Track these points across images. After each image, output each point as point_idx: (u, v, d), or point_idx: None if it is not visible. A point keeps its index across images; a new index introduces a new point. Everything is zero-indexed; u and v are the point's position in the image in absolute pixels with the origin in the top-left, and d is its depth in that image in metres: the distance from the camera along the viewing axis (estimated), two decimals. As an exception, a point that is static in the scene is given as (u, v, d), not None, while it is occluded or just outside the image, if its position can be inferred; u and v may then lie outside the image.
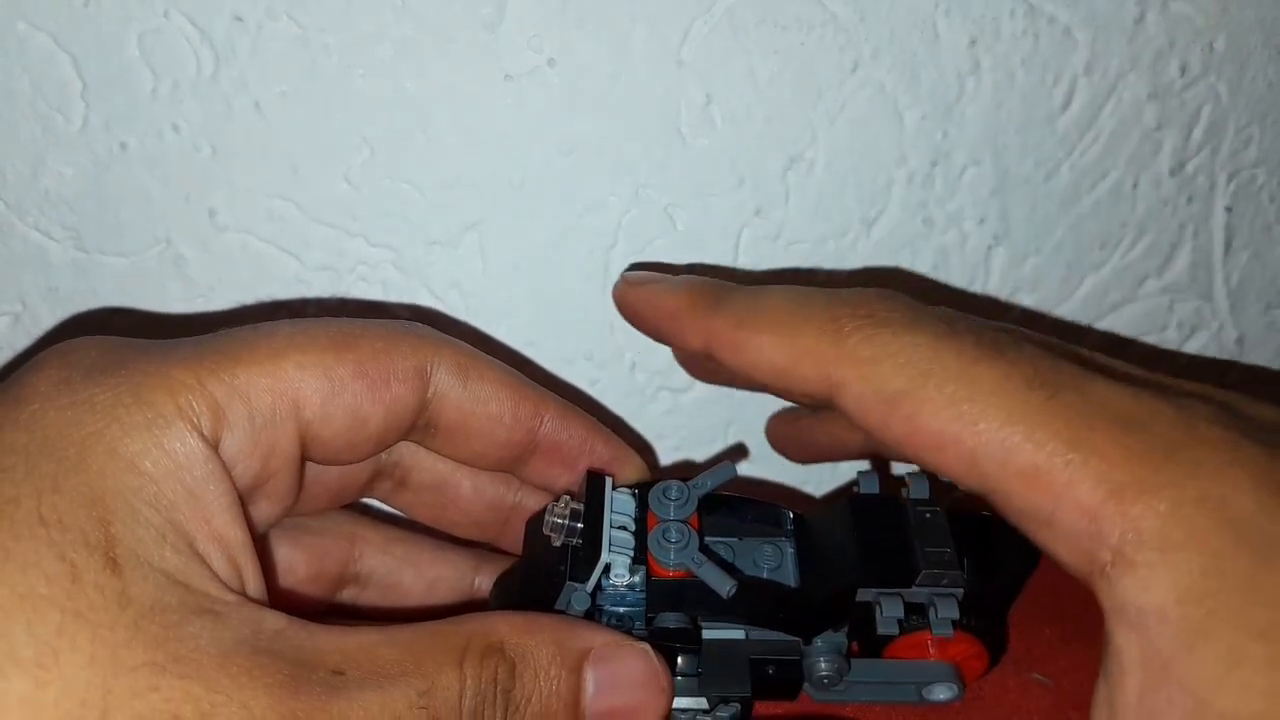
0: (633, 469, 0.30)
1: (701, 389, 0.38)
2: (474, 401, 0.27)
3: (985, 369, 0.24)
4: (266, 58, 0.31)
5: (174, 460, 0.22)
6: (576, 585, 0.26)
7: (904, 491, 0.29)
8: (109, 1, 0.30)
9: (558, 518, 0.27)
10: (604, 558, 0.26)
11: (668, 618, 0.26)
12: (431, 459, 0.30)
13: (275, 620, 0.22)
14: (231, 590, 0.22)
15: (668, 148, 0.33)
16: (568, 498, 0.28)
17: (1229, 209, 0.38)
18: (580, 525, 0.27)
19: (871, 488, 0.29)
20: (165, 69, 0.31)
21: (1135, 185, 0.37)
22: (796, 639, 0.27)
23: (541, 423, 0.28)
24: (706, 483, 0.28)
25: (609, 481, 0.28)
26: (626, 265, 0.35)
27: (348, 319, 0.26)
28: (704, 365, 0.32)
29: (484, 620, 0.24)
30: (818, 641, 0.27)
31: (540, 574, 0.27)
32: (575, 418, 0.29)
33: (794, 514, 0.29)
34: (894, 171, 0.35)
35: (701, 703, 0.26)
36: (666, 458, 0.39)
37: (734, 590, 0.26)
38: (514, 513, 0.31)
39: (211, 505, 0.22)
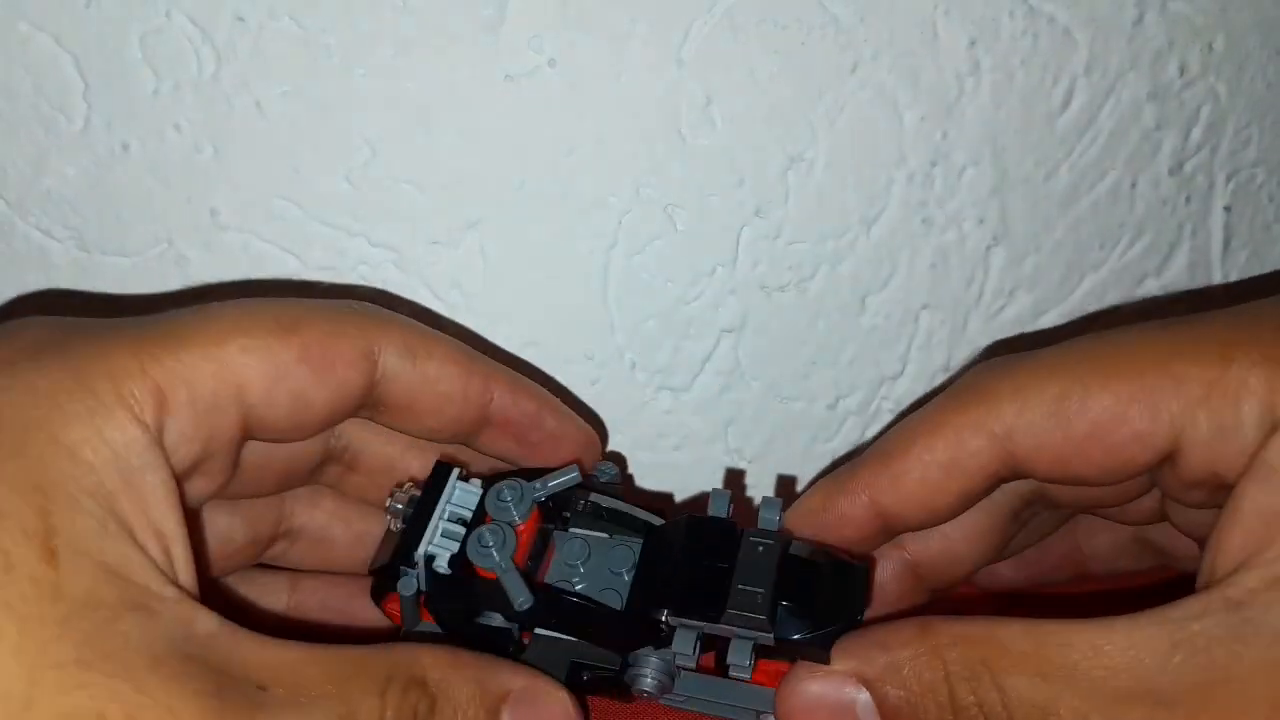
0: (582, 443, 0.30)
1: (702, 389, 0.38)
2: (423, 381, 0.27)
3: (1119, 340, 0.25)
4: (268, 58, 0.31)
5: (114, 449, 0.22)
6: (407, 571, 0.26)
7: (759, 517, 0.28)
8: (111, 2, 0.30)
9: (398, 503, 0.27)
10: (422, 549, 0.26)
11: (493, 616, 0.26)
12: (381, 442, 0.29)
13: (207, 622, 0.22)
14: (168, 582, 0.22)
15: (668, 148, 0.33)
16: (410, 484, 0.28)
17: (1228, 209, 0.38)
18: (412, 511, 0.27)
19: (720, 510, 0.28)
20: (167, 69, 0.31)
21: (1134, 185, 0.37)
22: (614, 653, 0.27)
23: (492, 398, 0.28)
24: (546, 485, 0.28)
25: (455, 473, 0.28)
26: (627, 266, 0.35)
27: (295, 299, 0.26)
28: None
29: (409, 651, 0.24)
30: (649, 655, 0.27)
31: (382, 559, 0.28)
32: (526, 392, 0.29)
33: (654, 527, 0.29)
34: (893, 171, 0.35)
35: None
36: (667, 457, 0.39)
37: (527, 604, 0.25)
38: None
39: (150, 495, 0.22)
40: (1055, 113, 0.35)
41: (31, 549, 0.20)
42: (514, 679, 0.25)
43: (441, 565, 0.26)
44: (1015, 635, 0.23)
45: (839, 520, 0.28)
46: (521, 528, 0.27)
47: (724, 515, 0.28)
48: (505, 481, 0.27)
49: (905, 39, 0.32)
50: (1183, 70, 0.35)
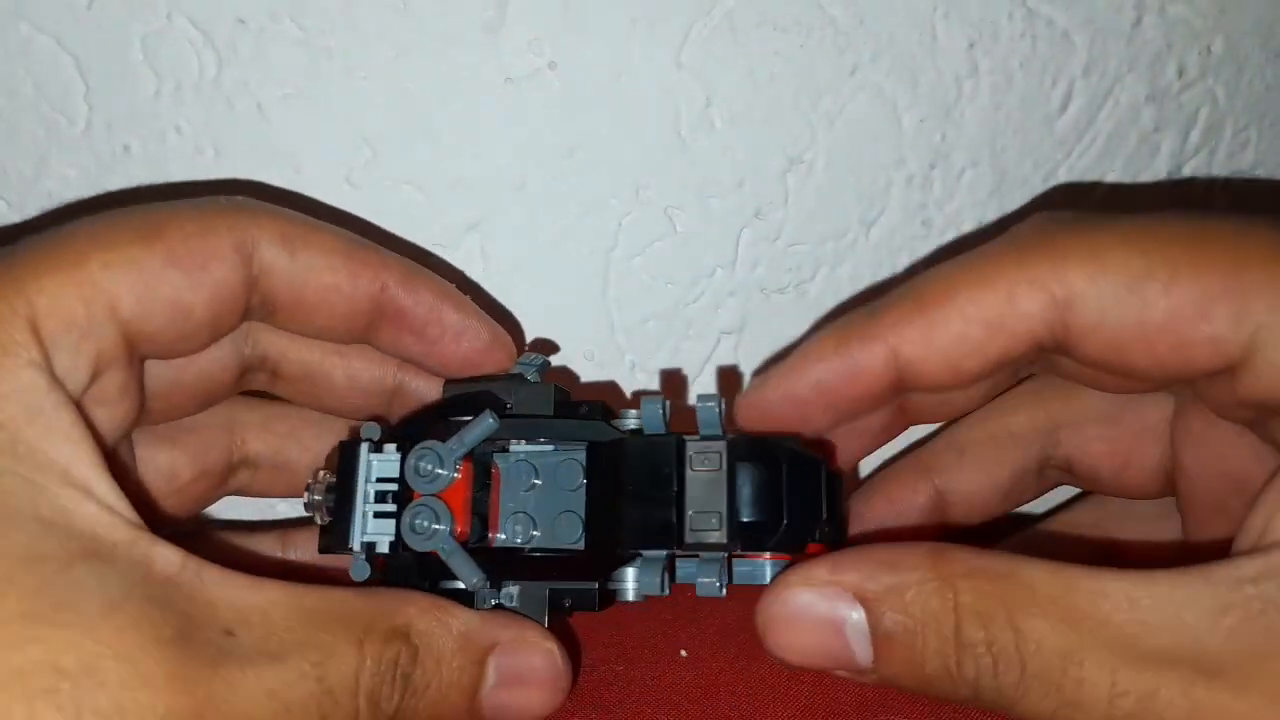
0: (486, 340, 0.28)
1: (701, 390, 0.38)
2: (306, 271, 0.25)
3: (1222, 229, 0.22)
4: (269, 60, 0.31)
5: (17, 402, 0.21)
6: (354, 557, 0.26)
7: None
8: (112, 4, 0.30)
9: (315, 495, 0.26)
10: (356, 540, 0.26)
11: (453, 582, 0.26)
12: (297, 348, 0.28)
13: (168, 559, 0.21)
14: (119, 524, 0.21)
15: (668, 149, 0.33)
16: (324, 471, 0.27)
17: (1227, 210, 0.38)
18: (333, 503, 0.26)
19: (655, 426, 0.26)
20: (168, 71, 0.31)
21: (1133, 187, 0.37)
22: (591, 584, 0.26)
23: (383, 288, 0.26)
24: (463, 441, 0.26)
25: (363, 448, 0.27)
26: (627, 267, 0.35)
27: (156, 204, 0.25)
28: (878, 414, 0.27)
29: (394, 599, 0.23)
30: (625, 570, 0.26)
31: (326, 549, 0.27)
32: (422, 282, 0.27)
33: (591, 442, 0.27)
34: (893, 173, 0.35)
35: None
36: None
37: (481, 583, 0.25)
38: (397, 395, 0.30)
39: (64, 436, 0.21)
40: (1054, 115, 0.35)
41: None
42: (501, 630, 0.24)
43: (384, 550, 0.26)
44: (1040, 575, 0.21)
45: (850, 372, 0.25)
46: (454, 485, 0.26)
47: (661, 431, 0.26)
48: (419, 447, 0.26)
49: (904, 41, 0.33)
50: (1181, 73, 0.35)
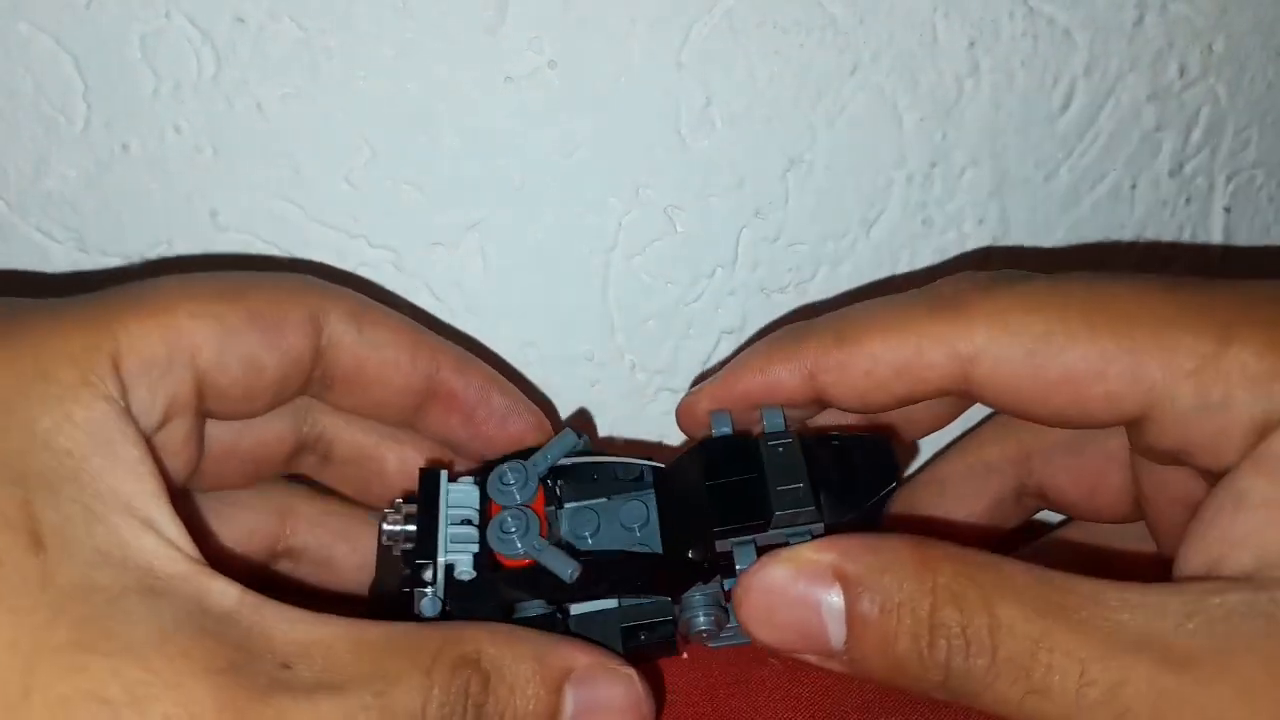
0: (530, 423, 0.29)
1: (701, 389, 0.38)
2: (369, 347, 0.27)
3: (1117, 290, 0.24)
4: (268, 59, 0.31)
5: (86, 431, 0.21)
6: (423, 592, 0.25)
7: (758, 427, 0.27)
8: (111, 2, 0.30)
9: (391, 525, 0.26)
10: (442, 559, 0.25)
11: (529, 606, 0.25)
12: (352, 431, 0.29)
13: (225, 594, 0.21)
14: (176, 558, 0.21)
15: (668, 149, 0.33)
16: (401, 501, 0.27)
17: (1228, 210, 0.38)
18: (414, 528, 0.26)
19: (723, 428, 0.27)
20: (167, 70, 0.31)
21: (1134, 186, 0.37)
22: (666, 598, 0.26)
23: (438, 369, 0.28)
24: (546, 458, 0.27)
25: (443, 475, 0.27)
26: (627, 267, 0.35)
27: (235, 271, 0.26)
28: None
29: (461, 628, 0.23)
30: (694, 595, 0.26)
31: (390, 585, 0.26)
32: (473, 367, 0.29)
33: (654, 466, 0.28)
34: (893, 173, 0.35)
35: None
36: (666, 458, 0.39)
37: (576, 573, 0.25)
38: None
39: (132, 471, 0.22)
40: (1055, 114, 0.35)
41: (17, 542, 0.20)
42: (577, 655, 0.23)
43: (465, 571, 0.25)
44: (1018, 569, 0.22)
45: (771, 386, 0.27)
46: (533, 507, 0.26)
47: (730, 432, 0.27)
48: (502, 466, 0.27)
49: (905, 40, 0.32)
50: (1183, 71, 0.35)
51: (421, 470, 0.27)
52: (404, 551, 0.26)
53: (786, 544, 0.24)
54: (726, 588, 0.26)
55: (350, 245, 0.34)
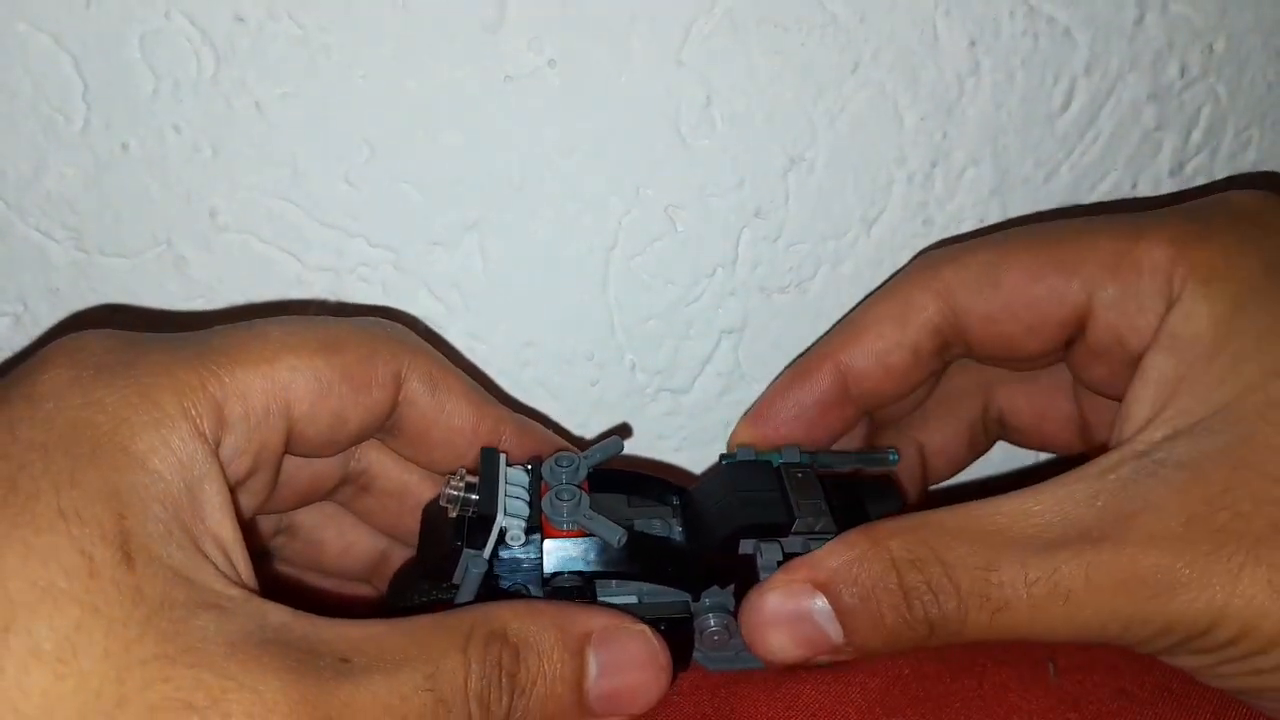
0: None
1: (702, 390, 0.38)
2: (439, 412, 0.29)
3: (1058, 225, 0.29)
4: (267, 58, 0.31)
5: (179, 459, 0.23)
6: (473, 552, 0.27)
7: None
8: (110, 2, 0.30)
9: (453, 489, 0.27)
10: (500, 521, 0.27)
11: (564, 578, 0.27)
12: (398, 469, 0.31)
13: (279, 614, 0.22)
14: (232, 584, 0.22)
15: (668, 148, 0.33)
16: (463, 470, 0.28)
17: (1228, 210, 0.38)
18: (475, 496, 0.27)
19: (746, 454, 0.30)
20: (166, 70, 0.31)
21: (1134, 186, 0.37)
22: (686, 597, 0.28)
23: (501, 440, 0.30)
24: (595, 455, 0.29)
25: (503, 457, 0.29)
26: (627, 267, 0.35)
27: (331, 320, 0.28)
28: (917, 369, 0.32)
29: (486, 609, 0.24)
30: (706, 600, 0.28)
31: (436, 547, 0.28)
32: (532, 436, 0.31)
33: (679, 489, 0.30)
34: (894, 171, 0.35)
35: None
36: (666, 458, 0.39)
37: (624, 539, 0.27)
38: None
39: (210, 503, 0.23)
40: (1056, 113, 0.35)
41: (111, 553, 0.21)
42: (595, 619, 0.25)
43: (516, 535, 0.27)
44: (947, 516, 0.25)
45: (809, 385, 0.31)
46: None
47: (752, 458, 0.30)
48: (555, 455, 0.29)
49: (905, 39, 0.32)
50: (1183, 71, 0.35)
51: (483, 449, 0.29)
52: (463, 517, 0.27)
53: (809, 550, 0.27)
54: (732, 608, 0.28)
55: (349, 244, 0.34)
